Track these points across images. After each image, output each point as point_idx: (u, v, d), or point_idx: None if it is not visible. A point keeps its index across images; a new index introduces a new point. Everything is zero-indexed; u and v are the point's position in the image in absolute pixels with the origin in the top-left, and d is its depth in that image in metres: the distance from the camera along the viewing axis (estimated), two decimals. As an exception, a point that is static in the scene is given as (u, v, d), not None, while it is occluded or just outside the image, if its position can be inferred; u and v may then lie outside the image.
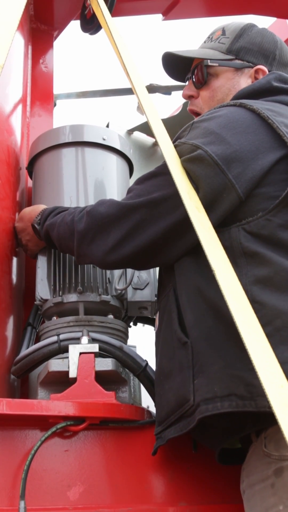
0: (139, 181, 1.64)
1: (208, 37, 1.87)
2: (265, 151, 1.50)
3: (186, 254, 1.55)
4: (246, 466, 1.49)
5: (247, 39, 1.80)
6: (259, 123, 1.53)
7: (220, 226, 1.48)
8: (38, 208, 1.96)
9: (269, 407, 1.28)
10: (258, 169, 1.48)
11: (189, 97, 1.86)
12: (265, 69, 1.78)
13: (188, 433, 1.48)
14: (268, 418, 1.33)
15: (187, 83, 1.89)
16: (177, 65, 1.88)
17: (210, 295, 1.45)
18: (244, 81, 1.78)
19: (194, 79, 1.83)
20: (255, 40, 1.80)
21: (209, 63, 1.79)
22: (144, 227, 1.56)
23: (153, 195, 1.56)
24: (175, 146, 1.56)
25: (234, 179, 1.47)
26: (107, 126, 2.60)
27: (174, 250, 1.56)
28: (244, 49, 1.80)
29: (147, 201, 1.56)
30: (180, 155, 1.53)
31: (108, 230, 1.61)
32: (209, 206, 1.47)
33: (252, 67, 1.78)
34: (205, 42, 1.88)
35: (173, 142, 1.58)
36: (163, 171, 1.57)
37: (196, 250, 1.48)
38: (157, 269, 2.05)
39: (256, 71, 1.78)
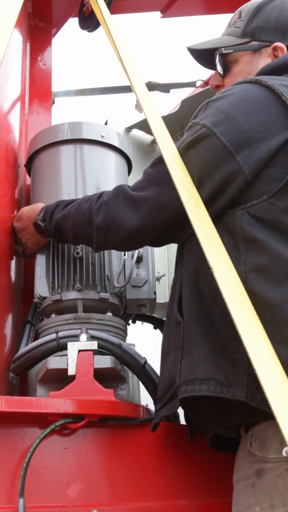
0: (153, 164, 1.64)
1: (228, 23, 1.84)
2: (275, 131, 1.48)
3: (192, 238, 1.55)
4: (236, 459, 1.50)
5: (262, 18, 1.76)
6: (273, 101, 1.51)
7: (227, 208, 1.49)
8: (36, 206, 1.96)
9: (245, 397, 1.30)
10: (265, 150, 1.46)
11: (216, 87, 1.84)
12: (283, 45, 1.73)
13: (186, 419, 1.51)
14: (252, 412, 1.34)
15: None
16: (205, 56, 1.85)
17: (209, 277, 1.45)
18: (263, 62, 1.74)
19: (217, 69, 1.80)
20: (271, 16, 1.76)
21: (224, 51, 1.77)
22: (154, 216, 1.58)
23: (161, 186, 1.57)
24: (189, 127, 1.57)
25: (241, 161, 1.46)
26: (106, 123, 2.60)
27: (183, 233, 1.58)
28: (259, 29, 1.75)
29: (154, 193, 1.58)
30: (191, 134, 1.54)
31: (122, 221, 1.62)
32: (217, 190, 1.47)
33: (270, 46, 1.74)
34: (226, 28, 1.84)
35: (190, 122, 1.59)
36: None
37: None
38: (156, 267, 2.05)
39: (274, 49, 1.73)
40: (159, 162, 1.61)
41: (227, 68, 1.79)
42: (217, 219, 1.50)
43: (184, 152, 1.54)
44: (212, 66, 1.84)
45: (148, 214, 1.58)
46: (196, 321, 1.45)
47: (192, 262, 1.54)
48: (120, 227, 1.62)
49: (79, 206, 1.75)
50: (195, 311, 1.47)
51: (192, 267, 1.53)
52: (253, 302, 1.32)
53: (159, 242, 1.69)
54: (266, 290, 1.37)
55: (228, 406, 1.41)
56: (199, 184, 1.49)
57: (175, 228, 1.59)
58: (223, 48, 1.77)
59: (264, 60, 1.74)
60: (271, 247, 1.41)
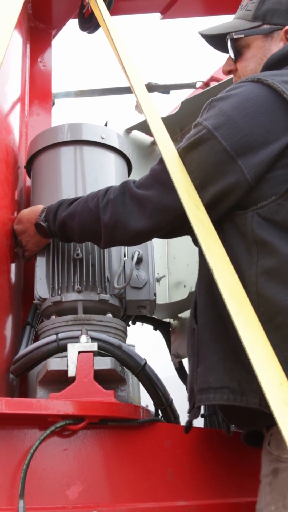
0: (159, 161, 1.63)
1: (240, 5, 1.79)
2: (277, 133, 1.47)
3: None
4: (261, 456, 1.50)
5: (273, 0, 1.70)
6: (274, 100, 1.49)
7: (238, 209, 1.48)
8: (36, 208, 1.96)
9: (259, 404, 1.30)
10: (267, 153, 1.46)
11: (229, 72, 1.80)
12: None
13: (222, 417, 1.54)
14: (270, 416, 1.34)
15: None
16: (218, 40, 1.80)
17: None
18: (276, 46, 1.69)
19: (230, 54, 1.76)
20: None
21: (234, 36, 1.72)
22: (159, 216, 1.58)
23: (165, 186, 1.56)
24: (194, 125, 1.56)
25: (243, 165, 1.46)
26: (106, 124, 2.60)
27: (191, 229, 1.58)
28: (270, 12, 1.70)
29: (158, 193, 1.58)
30: (193, 135, 1.54)
31: (129, 221, 1.62)
32: (219, 195, 1.47)
33: (282, 29, 1.69)
34: (238, 11, 1.80)
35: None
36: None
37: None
38: (156, 268, 2.06)
39: (286, 32, 1.68)
40: (163, 160, 1.60)
41: (239, 53, 1.74)
42: (230, 221, 1.50)
43: (186, 152, 1.54)
44: (226, 50, 1.78)
45: (153, 214, 1.58)
46: (209, 327, 1.45)
47: (206, 264, 1.53)
48: (127, 226, 1.62)
49: (85, 203, 1.74)
50: (209, 317, 1.47)
51: (207, 271, 1.51)
52: (264, 306, 1.32)
53: (168, 236, 1.72)
54: (276, 294, 1.37)
55: (247, 410, 1.41)
56: (201, 186, 1.49)
57: (181, 225, 1.58)
58: (234, 33, 1.72)
59: (277, 44, 1.69)
60: (280, 249, 1.40)
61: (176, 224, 1.59)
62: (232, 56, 1.75)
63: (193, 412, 1.52)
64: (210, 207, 1.48)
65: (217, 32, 1.78)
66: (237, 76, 1.77)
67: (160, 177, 1.59)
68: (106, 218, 1.66)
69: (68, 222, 1.78)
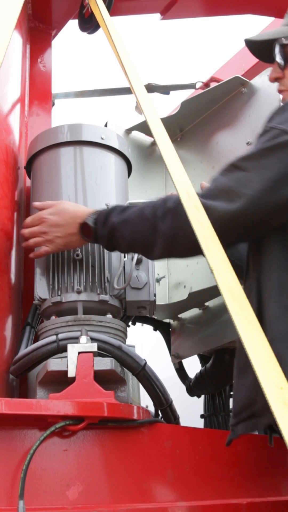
0: (223, 172, 1.57)
1: (286, 12, 1.79)
2: None
3: (273, 247, 1.52)
4: None
5: None
6: None
7: None
8: (82, 207, 1.87)
9: None
10: None
11: (275, 80, 1.78)
12: None
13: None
14: None
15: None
16: (264, 48, 1.80)
17: None
18: None
19: (277, 60, 1.74)
20: None
21: (284, 42, 1.71)
22: (225, 224, 1.52)
23: (230, 195, 1.51)
24: (265, 131, 1.53)
25: None
26: (106, 125, 2.60)
27: (253, 237, 1.56)
28: None
29: (223, 203, 1.52)
30: (269, 139, 1.50)
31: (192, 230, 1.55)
32: None
33: None
34: (285, 17, 1.79)
35: (265, 125, 1.54)
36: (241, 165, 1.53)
37: (283, 245, 1.46)
38: (156, 268, 2.05)
39: None
40: (229, 170, 1.56)
41: (287, 59, 1.72)
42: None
43: (260, 156, 1.50)
44: (271, 59, 1.77)
45: (216, 224, 1.49)
46: (275, 341, 1.38)
47: (273, 274, 1.50)
48: (189, 236, 1.50)
49: (141, 212, 1.66)
50: (282, 329, 1.44)
51: (276, 281, 1.49)
52: None
53: (228, 246, 1.62)
54: None
55: None
56: (271, 188, 1.46)
57: (244, 234, 1.57)
58: (283, 38, 1.72)
59: None
60: None
61: (239, 233, 1.55)
62: (281, 62, 1.73)
63: (253, 424, 1.50)
64: (278, 211, 1.46)
65: (265, 38, 1.78)
66: (283, 84, 1.76)
67: (224, 185, 1.54)
68: (164, 228, 1.59)
69: (119, 228, 1.70)
